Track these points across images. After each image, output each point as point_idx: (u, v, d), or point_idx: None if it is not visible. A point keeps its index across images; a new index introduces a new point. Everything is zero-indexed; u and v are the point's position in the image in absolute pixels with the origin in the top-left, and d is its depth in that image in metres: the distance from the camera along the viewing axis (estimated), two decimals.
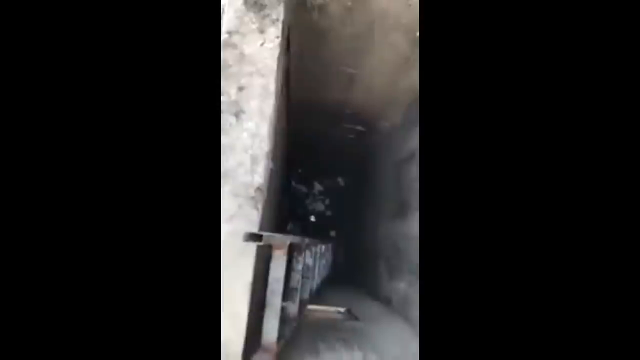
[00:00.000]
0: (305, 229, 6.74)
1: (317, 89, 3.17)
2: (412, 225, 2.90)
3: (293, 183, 7.00)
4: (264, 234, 1.02)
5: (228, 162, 1.13)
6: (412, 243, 2.84)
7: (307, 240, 2.05)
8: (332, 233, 6.95)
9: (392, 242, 3.39)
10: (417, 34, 2.28)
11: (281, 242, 1.30)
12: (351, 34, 2.39)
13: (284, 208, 6.13)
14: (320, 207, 7.29)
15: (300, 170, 6.89)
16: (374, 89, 3.20)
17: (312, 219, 7.16)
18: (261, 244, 0.99)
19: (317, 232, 6.50)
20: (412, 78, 2.83)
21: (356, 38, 2.43)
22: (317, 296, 3.16)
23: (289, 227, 6.73)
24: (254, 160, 1.16)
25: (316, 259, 3.15)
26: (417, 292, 2.72)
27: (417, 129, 3.04)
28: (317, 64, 2.70)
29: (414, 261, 2.78)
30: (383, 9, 2.15)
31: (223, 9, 1.31)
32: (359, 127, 4.17)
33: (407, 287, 2.90)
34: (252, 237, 0.99)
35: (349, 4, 2.12)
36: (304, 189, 7.19)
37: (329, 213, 7.29)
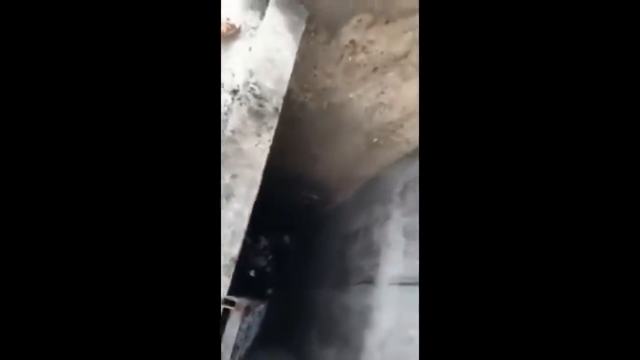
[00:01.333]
0: (243, 283, 6.67)
1: (283, 160, 3.55)
2: (351, 298, 3.18)
3: None
4: (236, 300, 1.26)
5: None
6: (348, 315, 3.10)
7: (255, 302, 2.26)
8: (269, 291, 6.93)
9: (329, 311, 3.62)
10: (375, 139, 2.80)
11: (240, 305, 1.53)
12: (322, 126, 2.85)
13: None
14: (262, 262, 7.30)
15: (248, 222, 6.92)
16: (333, 168, 3.65)
17: (252, 273, 7.13)
18: (233, 308, 1.23)
19: (254, 288, 6.48)
20: (366, 168, 3.33)
21: (325, 130, 2.89)
22: (249, 355, 3.23)
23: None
24: (233, 235, 1.44)
25: (254, 318, 3.28)
26: None
27: (366, 209, 3.47)
28: (288, 142, 3.10)
29: (346, 334, 3.03)
30: (350, 115, 2.64)
31: (231, 110, 1.66)
32: (314, 196, 4.56)
33: (337, 357, 3.10)
34: (228, 302, 1.23)
35: (325, 106, 2.59)
36: (248, 240, 7.21)
37: (269, 269, 7.30)
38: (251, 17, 1.96)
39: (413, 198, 2.65)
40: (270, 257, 7.43)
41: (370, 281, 2.96)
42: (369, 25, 1.85)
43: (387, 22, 1.82)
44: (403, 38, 1.88)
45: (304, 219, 5.56)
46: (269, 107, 1.65)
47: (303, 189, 4.44)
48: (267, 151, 1.57)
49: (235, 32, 1.89)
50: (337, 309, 3.41)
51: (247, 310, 2.07)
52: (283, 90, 1.72)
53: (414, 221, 2.52)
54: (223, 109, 1.68)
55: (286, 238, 7.49)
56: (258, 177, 1.52)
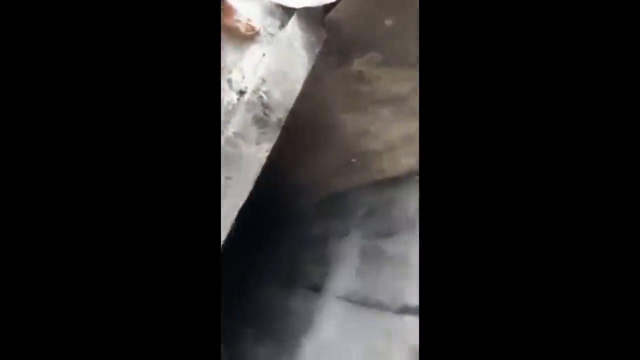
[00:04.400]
0: None
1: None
2: (294, 302, 3.29)
3: None
4: None
5: None
6: (289, 317, 3.21)
7: None
8: None
9: (269, 309, 3.70)
10: (353, 160, 2.95)
11: None
12: (309, 137, 2.95)
13: None
14: None
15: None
16: (308, 177, 3.75)
17: None
18: None
19: None
20: (338, 184, 3.48)
21: (311, 142, 3.00)
22: None
23: None
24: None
25: None
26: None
27: (327, 220, 3.61)
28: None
29: (282, 336, 3.13)
30: (339, 135, 2.77)
31: (234, 111, 1.70)
32: (279, 196, 4.62)
33: (268, 355, 3.20)
34: None
35: (318, 121, 2.69)
36: None
37: None
38: (270, 24, 2.01)
39: (375, 223, 2.83)
40: None
41: (316, 289, 3.09)
42: (379, 64, 1.99)
43: (396, 65, 1.97)
44: (406, 83, 2.04)
45: (262, 215, 5.57)
46: (273, 117, 1.72)
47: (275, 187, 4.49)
48: (264, 160, 1.64)
49: (254, 34, 1.94)
50: (278, 309, 3.50)
51: None
52: (290, 103, 1.79)
53: (374, 245, 2.70)
54: (228, 107, 1.72)
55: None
56: (250, 183, 1.58)
